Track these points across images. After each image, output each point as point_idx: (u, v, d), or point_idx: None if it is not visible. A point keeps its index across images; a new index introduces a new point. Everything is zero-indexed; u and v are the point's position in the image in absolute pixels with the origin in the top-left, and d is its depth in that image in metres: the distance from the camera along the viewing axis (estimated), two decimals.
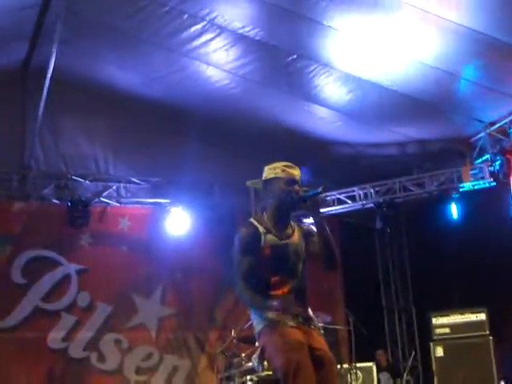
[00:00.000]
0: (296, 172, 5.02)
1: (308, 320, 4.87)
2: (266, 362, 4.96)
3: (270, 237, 4.88)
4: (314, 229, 5.00)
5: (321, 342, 4.80)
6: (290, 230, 5.00)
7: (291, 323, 4.70)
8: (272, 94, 10.82)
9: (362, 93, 10.44)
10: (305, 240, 5.02)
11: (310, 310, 4.95)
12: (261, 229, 4.91)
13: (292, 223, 5.07)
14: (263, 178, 5.08)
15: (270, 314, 4.68)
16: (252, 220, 5.01)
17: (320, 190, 4.83)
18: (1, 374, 11.30)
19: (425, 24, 8.61)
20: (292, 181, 4.96)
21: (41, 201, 12.28)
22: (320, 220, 4.89)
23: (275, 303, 4.68)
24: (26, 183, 12.04)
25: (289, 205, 4.94)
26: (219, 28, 9.32)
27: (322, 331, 4.98)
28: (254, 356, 4.97)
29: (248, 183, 5.29)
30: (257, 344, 4.92)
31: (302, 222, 5.38)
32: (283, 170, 4.99)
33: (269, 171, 5.06)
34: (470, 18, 8.42)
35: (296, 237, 5.01)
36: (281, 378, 4.59)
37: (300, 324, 4.76)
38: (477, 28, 8.50)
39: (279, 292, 4.81)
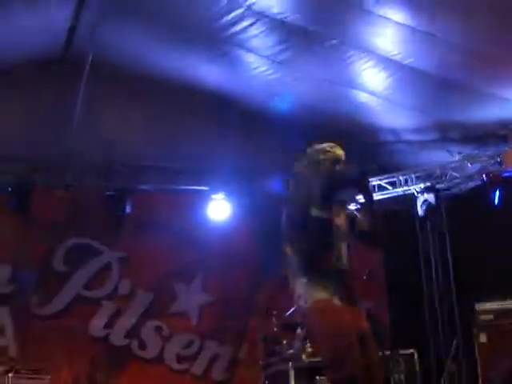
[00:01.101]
0: (341, 151, 5.01)
1: (354, 299, 4.85)
2: (309, 343, 4.98)
3: (318, 211, 4.80)
4: (358, 214, 5.00)
5: (367, 325, 4.78)
6: (336, 209, 4.96)
7: (341, 303, 4.67)
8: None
9: (401, 77, 10.34)
10: (350, 222, 5.00)
11: (354, 288, 4.95)
12: (309, 202, 4.84)
13: (338, 206, 5.02)
14: (308, 162, 5.05)
15: (319, 291, 4.65)
16: (300, 193, 5.00)
17: (366, 169, 4.83)
18: (43, 361, 11.36)
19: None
20: (338, 161, 4.94)
21: (82, 189, 12.33)
22: (369, 198, 4.90)
23: (324, 279, 4.66)
24: (67, 171, 12.09)
25: (336, 186, 4.90)
26: (258, 14, 9.28)
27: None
28: (299, 333, 5.03)
29: (295, 168, 5.23)
30: (302, 321, 4.94)
31: (348, 208, 5.34)
32: (328, 151, 4.98)
33: (313, 153, 5.04)
34: None
35: (342, 218, 5.00)
36: (328, 364, 4.58)
37: (349, 304, 4.73)
38: None
39: (330, 268, 4.79)
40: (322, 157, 4.98)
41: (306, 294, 4.77)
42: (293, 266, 4.83)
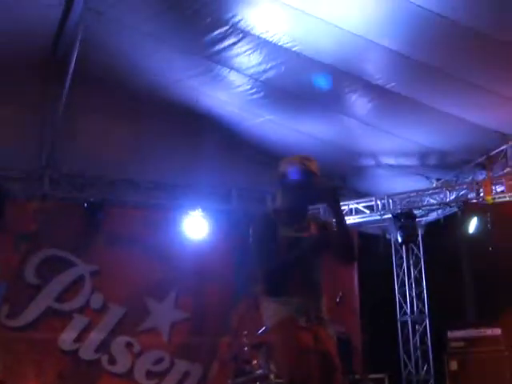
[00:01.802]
0: (313, 165, 4.94)
1: (321, 319, 4.80)
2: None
3: (286, 229, 4.81)
4: (330, 221, 4.98)
5: (330, 346, 4.74)
6: (306, 224, 4.94)
7: (303, 323, 4.64)
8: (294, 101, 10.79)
9: (383, 102, 10.39)
10: (321, 233, 4.96)
11: (323, 308, 4.89)
12: (278, 220, 4.84)
13: (308, 217, 5.02)
14: (280, 172, 5.01)
15: (284, 310, 4.61)
16: (268, 211, 5.09)
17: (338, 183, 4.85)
18: (11, 374, 11.24)
19: None
20: (308, 173, 4.89)
21: (57, 201, 12.24)
22: (338, 210, 4.83)
23: (290, 298, 4.64)
24: (43, 182, 12.02)
25: (306, 198, 4.90)
26: (242, 32, 9.27)
27: (334, 338, 4.93)
28: (262, 351, 5.03)
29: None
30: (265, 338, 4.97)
31: (319, 218, 5.35)
32: (300, 163, 4.93)
33: (284, 164, 5.01)
34: None
35: (312, 231, 4.94)
36: (284, 381, 4.58)
37: (312, 323, 4.69)
38: None
39: (294, 286, 4.74)
40: (291, 168, 4.94)
41: (270, 312, 4.75)
42: (261, 285, 4.81)
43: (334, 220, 4.87)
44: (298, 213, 4.93)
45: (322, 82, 9.88)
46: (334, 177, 11.38)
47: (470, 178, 11.96)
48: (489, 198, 11.32)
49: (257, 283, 4.83)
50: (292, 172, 4.91)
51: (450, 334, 11.02)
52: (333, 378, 4.68)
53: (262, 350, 9.36)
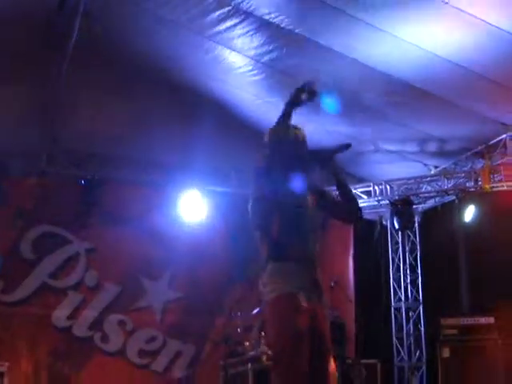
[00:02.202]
0: (302, 133, 4.87)
1: (320, 296, 4.75)
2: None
3: (287, 193, 4.72)
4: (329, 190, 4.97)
5: (325, 327, 4.71)
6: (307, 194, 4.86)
7: (303, 302, 4.56)
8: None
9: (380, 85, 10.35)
10: (319, 198, 4.91)
11: (321, 281, 4.82)
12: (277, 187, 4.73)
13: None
14: (268, 142, 4.92)
15: (284, 287, 4.57)
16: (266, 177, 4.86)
17: (341, 145, 4.72)
18: (4, 349, 11.26)
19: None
20: (300, 142, 4.84)
21: (55, 177, 12.22)
22: (337, 172, 4.80)
23: (294, 267, 4.59)
24: (41, 159, 11.99)
25: (300, 166, 4.79)
26: (244, 13, 9.21)
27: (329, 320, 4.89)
28: (255, 328, 4.95)
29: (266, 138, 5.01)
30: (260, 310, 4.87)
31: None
32: (299, 128, 4.88)
33: (273, 134, 4.90)
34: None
35: (310, 199, 4.88)
36: (273, 360, 4.56)
37: (312, 301, 4.64)
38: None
39: (298, 257, 4.67)
40: (295, 131, 4.85)
41: (271, 284, 4.64)
42: (261, 255, 4.74)
43: (336, 186, 4.83)
44: (295, 184, 4.78)
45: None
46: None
47: (469, 167, 11.96)
48: (486, 187, 11.32)
49: (262, 253, 4.72)
50: (282, 142, 4.82)
51: (443, 322, 11.03)
52: (324, 360, 4.65)
53: (255, 325, 9.39)
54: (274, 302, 4.58)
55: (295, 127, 4.86)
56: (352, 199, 4.91)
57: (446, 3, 8.11)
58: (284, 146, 4.79)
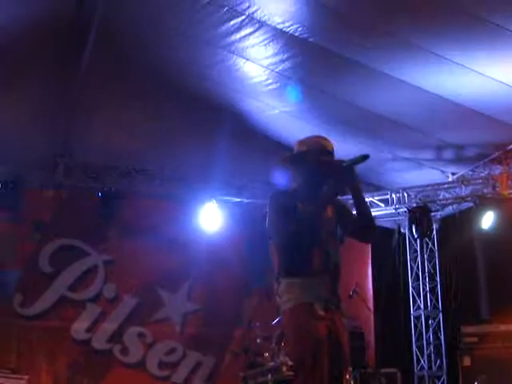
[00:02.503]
0: (329, 143, 4.88)
1: (338, 307, 4.73)
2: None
3: (303, 208, 4.68)
4: (344, 201, 4.98)
5: (343, 337, 4.68)
6: (321, 202, 4.82)
7: (321, 311, 4.56)
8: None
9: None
10: (338, 213, 4.89)
11: (340, 294, 4.80)
12: (295, 199, 4.75)
13: (324, 199, 4.86)
14: (295, 152, 4.95)
15: (302, 296, 4.55)
16: (287, 188, 5.01)
17: (358, 157, 4.66)
18: (24, 362, 11.30)
19: None
20: (326, 152, 4.82)
21: (72, 190, 12.26)
22: (355, 185, 4.76)
23: (311, 279, 4.56)
24: (58, 171, 12.01)
25: (323, 176, 4.77)
26: (258, 22, 9.21)
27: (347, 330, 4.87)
28: (274, 338, 4.94)
29: (282, 160, 5.11)
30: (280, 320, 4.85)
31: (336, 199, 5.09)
32: (316, 142, 4.87)
33: (301, 144, 4.94)
34: None
35: (329, 211, 4.87)
36: (294, 370, 4.54)
37: (330, 311, 4.62)
38: None
39: (313, 270, 4.64)
40: (308, 147, 4.87)
41: (287, 294, 4.64)
42: (278, 265, 4.73)
43: (352, 201, 4.81)
44: (314, 193, 4.78)
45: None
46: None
47: (486, 173, 11.88)
48: (505, 193, 11.25)
49: (275, 264, 4.74)
50: (308, 152, 4.84)
51: (463, 330, 10.96)
52: (342, 370, 4.64)
53: (275, 336, 9.36)
54: (292, 312, 4.59)
55: (324, 138, 4.92)
56: (368, 215, 4.86)
57: None
58: (310, 154, 4.83)
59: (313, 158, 4.80)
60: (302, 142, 4.93)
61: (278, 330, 8.60)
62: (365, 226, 4.86)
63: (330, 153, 4.84)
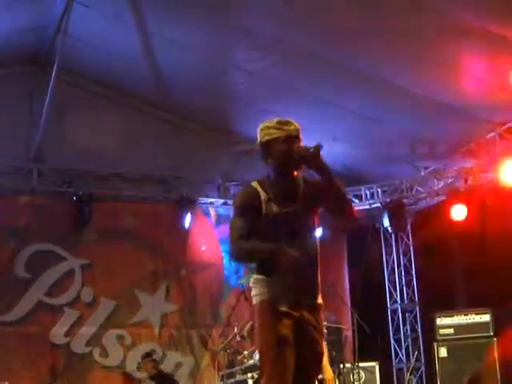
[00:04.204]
0: (293, 127, 4.53)
1: (312, 305, 4.56)
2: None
3: (271, 205, 4.46)
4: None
5: (314, 333, 4.56)
6: (294, 195, 4.57)
7: (285, 308, 4.39)
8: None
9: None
10: (315, 196, 4.58)
11: (318, 292, 4.61)
12: (262, 195, 4.48)
13: (299, 183, 4.61)
14: (258, 142, 4.60)
15: (266, 292, 4.44)
16: (254, 184, 4.56)
17: (320, 144, 4.37)
18: (3, 369, 11.25)
19: None
20: (290, 138, 4.51)
21: (46, 195, 12.24)
22: (325, 169, 4.44)
23: (276, 277, 4.39)
24: (32, 177, 12.00)
25: (292, 166, 4.51)
26: None
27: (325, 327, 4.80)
28: (246, 328, 4.77)
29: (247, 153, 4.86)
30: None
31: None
32: (278, 128, 4.52)
33: (262, 132, 4.58)
34: None
35: (302, 201, 4.57)
36: (259, 364, 4.46)
37: (298, 308, 4.45)
38: None
39: (281, 266, 4.35)
40: (270, 137, 4.53)
41: (254, 289, 4.52)
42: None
43: (324, 183, 4.47)
44: (284, 184, 4.56)
45: None
46: None
47: (458, 166, 11.97)
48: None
49: (237, 253, 4.57)
50: (272, 141, 4.52)
51: (439, 321, 11.05)
52: (312, 365, 4.58)
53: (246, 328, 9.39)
54: (257, 307, 4.49)
55: (285, 122, 4.55)
56: (342, 194, 4.56)
57: None
58: (275, 145, 4.52)
59: (277, 148, 4.50)
60: (263, 129, 4.58)
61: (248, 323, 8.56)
62: (341, 207, 4.60)
63: (296, 136, 4.52)
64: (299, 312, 4.45)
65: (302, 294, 4.48)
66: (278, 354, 4.32)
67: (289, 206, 4.52)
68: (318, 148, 4.36)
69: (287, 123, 4.54)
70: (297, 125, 4.55)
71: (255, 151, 4.71)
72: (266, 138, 4.54)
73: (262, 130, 4.59)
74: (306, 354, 4.47)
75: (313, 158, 4.40)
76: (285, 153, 4.47)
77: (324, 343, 5.04)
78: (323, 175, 4.47)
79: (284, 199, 4.52)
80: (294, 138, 4.50)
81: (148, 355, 11.28)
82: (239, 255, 4.50)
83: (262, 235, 4.44)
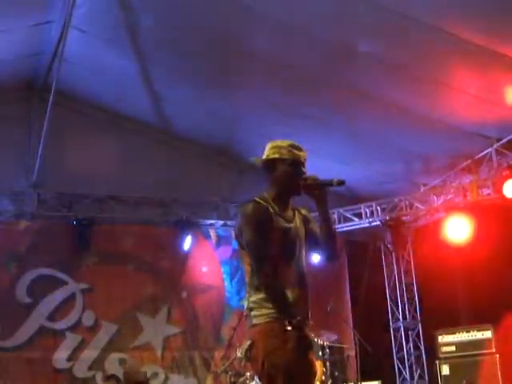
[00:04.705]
0: (302, 154, 4.62)
1: (308, 325, 4.55)
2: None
3: (278, 219, 4.50)
4: (311, 216, 4.76)
5: (312, 354, 4.64)
6: (291, 214, 4.65)
7: (291, 327, 4.32)
8: None
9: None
10: (304, 226, 4.70)
11: (310, 310, 4.61)
12: (271, 209, 4.51)
13: (293, 205, 4.71)
14: (265, 157, 4.66)
15: (272, 312, 4.39)
16: (258, 199, 4.56)
17: (334, 180, 4.47)
18: None
19: None
20: (298, 163, 4.59)
21: (46, 219, 12.25)
22: (326, 209, 4.57)
23: (283, 295, 4.39)
24: (31, 202, 12.02)
25: (293, 190, 4.59)
26: None
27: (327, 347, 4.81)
28: (242, 347, 4.62)
29: (253, 160, 4.77)
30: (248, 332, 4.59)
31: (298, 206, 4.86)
32: (289, 151, 4.59)
33: (272, 150, 4.65)
34: None
35: (298, 221, 4.67)
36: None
37: (300, 328, 4.40)
38: None
39: (287, 286, 4.44)
40: (280, 156, 4.61)
41: (259, 309, 4.44)
42: (251, 279, 4.50)
43: (319, 216, 4.61)
44: (284, 202, 4.62)
45: None
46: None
47: (457, 182, 11.98)
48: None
49: (247, 275, 4.56)
50: (279, 160, 4.60)
51: (441, 339, 11.04)
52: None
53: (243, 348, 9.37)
54: (263, 328, 4.42)
55: (297, 147, 4.64)
56: (334, 236, 4.69)
57: None
58: (281, 164, 4.60)
59: (283, 169, 4.59)
60: (274, 147, 4.66)
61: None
62: (332, 248, 4.71)
63: (303, 164, 4.62)
64: (302, 332, 4.46)
65: (303, 314, 4.51)
66: (288, 378, 4.30)
67: (290, 222, 4.60)
68: (326, 184, 4.50)
69: (298, 148, 4.64)
70: (305, 153, 4.65)
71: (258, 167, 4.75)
72: (276, 155, 4.61)
73: (273, 147, 4.67)
74: (305, 373, 4.49)
75: (320, 189, 4.53)
76: (289, 175, 4.57)
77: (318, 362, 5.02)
78: (321, 207, 4.59)
79: (286, 215, 4.61)
80: (300, 164, 4.61)
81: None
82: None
83: (272, 246, 4.45)
